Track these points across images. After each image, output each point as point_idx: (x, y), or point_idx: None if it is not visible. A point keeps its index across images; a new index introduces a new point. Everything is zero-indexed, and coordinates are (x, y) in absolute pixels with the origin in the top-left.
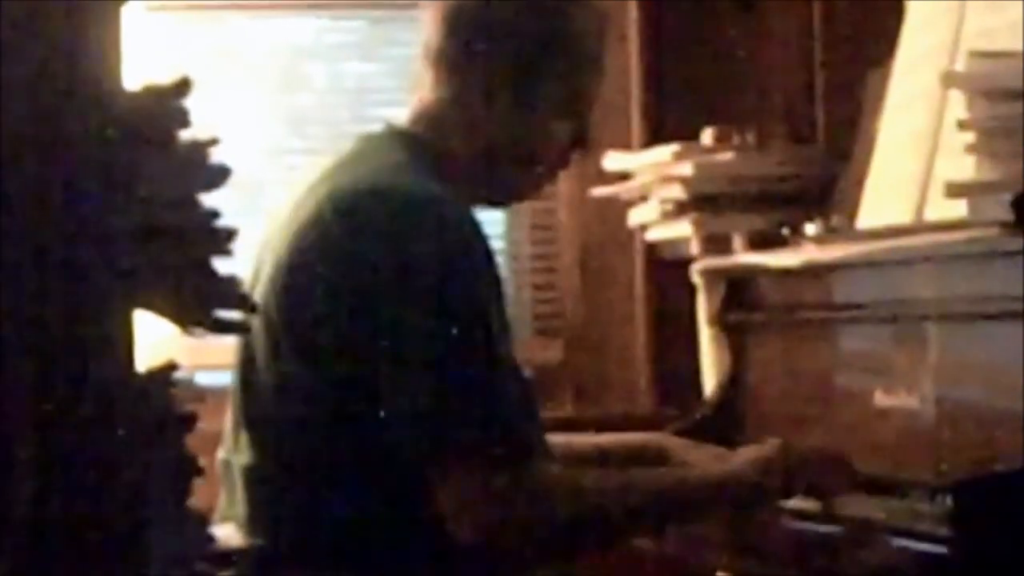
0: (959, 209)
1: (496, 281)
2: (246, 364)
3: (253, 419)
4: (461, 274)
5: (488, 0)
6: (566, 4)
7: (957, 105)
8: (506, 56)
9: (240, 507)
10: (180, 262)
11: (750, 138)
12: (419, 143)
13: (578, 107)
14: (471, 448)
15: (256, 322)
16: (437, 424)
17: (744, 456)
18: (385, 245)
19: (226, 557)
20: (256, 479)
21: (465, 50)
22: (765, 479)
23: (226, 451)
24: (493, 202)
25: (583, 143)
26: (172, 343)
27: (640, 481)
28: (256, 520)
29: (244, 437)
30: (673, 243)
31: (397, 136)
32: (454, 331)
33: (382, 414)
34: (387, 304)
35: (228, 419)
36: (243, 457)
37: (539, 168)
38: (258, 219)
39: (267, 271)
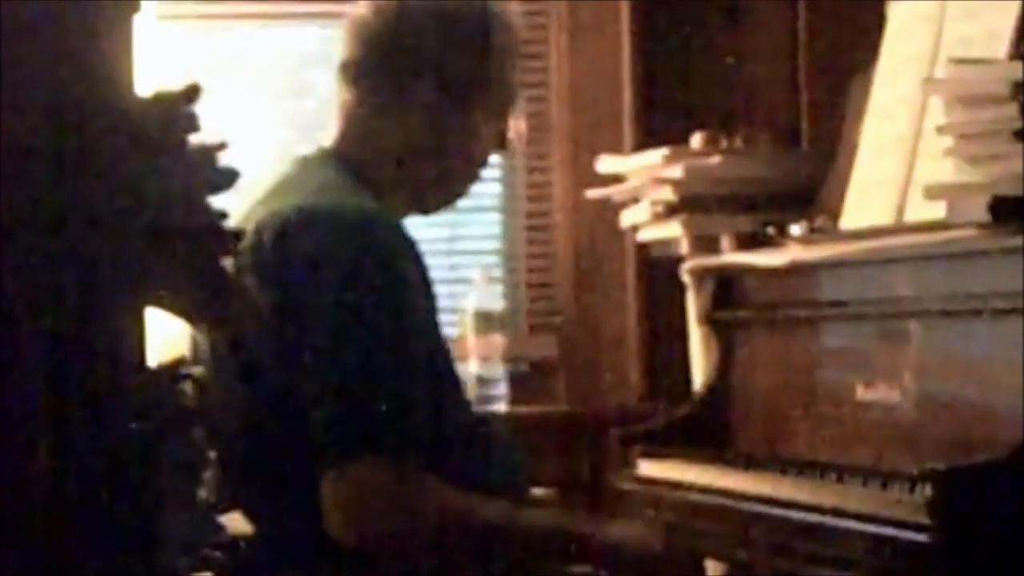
0: (938, 211)
1: (428, 289)
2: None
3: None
4: (384, 286)
5: (409, 17)
6: (483, 16)
7: (936, 110)
8: (430, 71)
9: None
10: (189, 261)
11: (737, 142)
12: (349, 161)
13: (500, 111)
14: (355, 450)
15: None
16: (332, 427)
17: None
18: (309, 261)
19: (233, 545)
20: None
21: (388, 66)
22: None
23: None
24: (422, 210)
25: (503, 144)
26: (181, 339)
27: (491, 513)
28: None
29: None
30: (664, 243)
31: (328, 156)
32: (365, 339)
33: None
34: (309, 316)
35: None
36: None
37: (465, 173)
38: None
39: None
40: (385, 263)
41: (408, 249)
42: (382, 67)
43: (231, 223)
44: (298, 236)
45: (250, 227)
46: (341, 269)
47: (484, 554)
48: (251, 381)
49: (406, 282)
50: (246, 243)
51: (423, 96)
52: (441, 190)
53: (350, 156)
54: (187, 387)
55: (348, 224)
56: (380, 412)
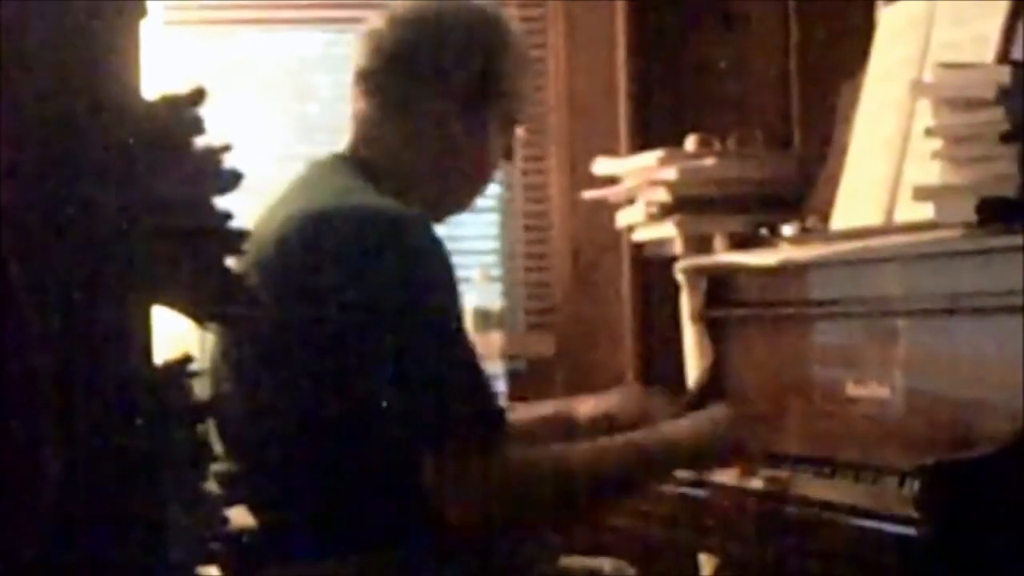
0: (926, 211)
1: (455, 283)
2: (215, 381)
3: (225, 430)
4: (431, 277)
5: (422, 29)
6: (496, 31)
7: (925, 114)
8: (441, 82)
9: None
10: (195, 261)
11: (730, 145)
12: (364, 166)
13: (509, 122)
14: (459, 433)
15: (219, 343)
16: (428, 414)
17: (690, 422)
18: (354, 258)
19: (238, 537)
20: (234, 484)
21: (400, 77)
22: (707, 444)
23: None
24: (433, 217)
25: (509, 155)
26: (188, 337)
27: (605, 450)
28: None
29: (215, 444)
30: (658, 243)
31: (344, 161)
32: (430, 330)
33: (370, 410)
34: (364, 313)
35: None
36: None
37: (475, 182)
38: None
39: None
40: (431, 260)
41: (442, 246)
42: (395, 78)
43: (244, 224)
44: (341, 234)
45: (273, 226)
46: (395, 265)
47: (588, 495)
48: (275, 375)
49: (449, 277)
50: (270, 241)
51: (434, 106)
52: (451, 197)
53: (365, 161)
54: (193, 383)
55: (389, 222)
56: (469, 394)
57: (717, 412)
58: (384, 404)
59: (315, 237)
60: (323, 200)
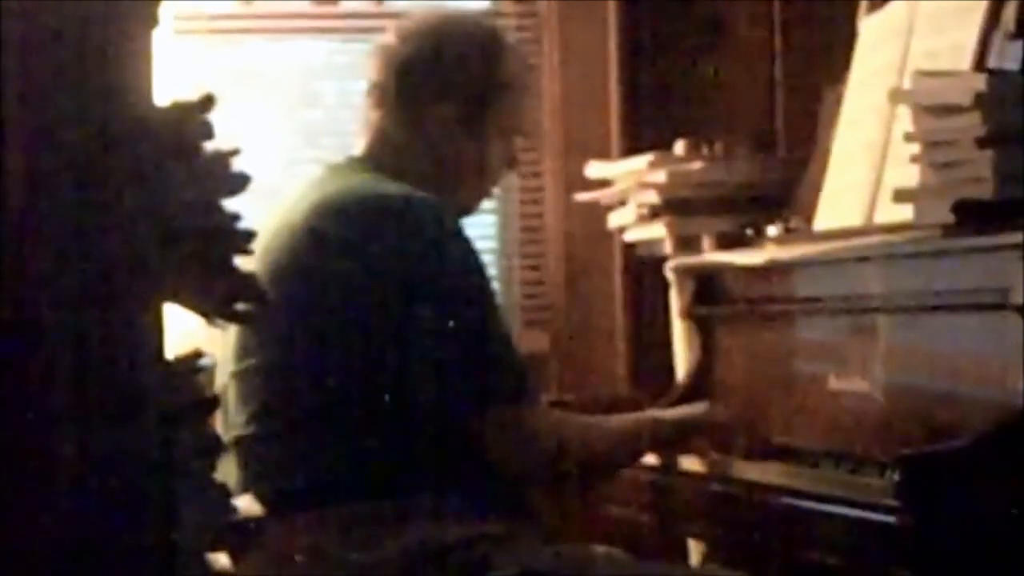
0: (906, 213)
1: (481, 259)
2: (240, 355)
3: (250, 396)
4: (465, 253)
5: (432, 46)
6: (498, 48)
7: (904, 119)
8: (449, 96)
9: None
10: (205, 260)
11: (718, 149)
12: (380, 166)
13: (510, 134)
14: (505, 395)
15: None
16: (480, 380)
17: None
18: (392, 236)
19: (245, 527)
20: (257, 445)
21: (411, 90)
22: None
23: None
24: None
25: (513, 163)
26: (198, 333)
27: (611, 424)
28: (258, 480)
29: (239, 413)
30: (648, 243)
31: (360, 162)
32: (475, 305)
33: (413, 375)
34: (405, 287)
35: None
36: (234, 432)
37: (478, 189)
38: None
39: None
40: (463, 239)
41: (464, 230)
42: (406, 91)
43: (252, 225)
44: (378, 214)
45: (300, 214)
46: (433, 242)
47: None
48: (317, 345)
49: (478, 254)
50: (297, 228)
51: (442, 118)
52: (457, 200)
53: (381, 163)
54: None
55: (420, 205)
56: (510, 358)
57: (699, 406)
58: (429, 370)
59: (355, 217)
60: (354, 188)
